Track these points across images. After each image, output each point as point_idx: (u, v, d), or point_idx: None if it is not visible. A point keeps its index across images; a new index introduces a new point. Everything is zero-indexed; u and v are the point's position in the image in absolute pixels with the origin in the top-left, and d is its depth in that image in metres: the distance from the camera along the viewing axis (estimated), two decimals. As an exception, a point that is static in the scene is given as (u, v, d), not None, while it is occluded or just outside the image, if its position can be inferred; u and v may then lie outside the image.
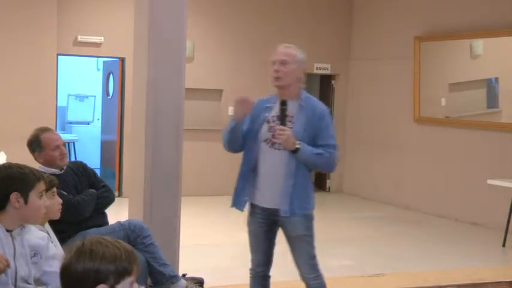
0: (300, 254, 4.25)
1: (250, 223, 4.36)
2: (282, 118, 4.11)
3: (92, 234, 4.52)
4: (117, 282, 2.08)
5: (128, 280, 2.12)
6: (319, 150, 4.11)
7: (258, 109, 4.22)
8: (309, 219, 4.24)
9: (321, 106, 4.24)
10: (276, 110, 4.17)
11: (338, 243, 7.69)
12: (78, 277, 2.03)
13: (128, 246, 2.15)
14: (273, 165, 4.15)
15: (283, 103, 4.13)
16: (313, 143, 4.12)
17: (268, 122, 4.18)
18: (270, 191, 4.16)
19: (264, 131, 4.17)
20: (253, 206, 4.28)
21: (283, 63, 4.19)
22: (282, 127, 4.07)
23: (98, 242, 2.08)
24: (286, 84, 4.18)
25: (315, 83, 12.27)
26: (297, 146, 4.06)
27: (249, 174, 4.23)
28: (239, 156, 4.34)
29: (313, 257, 4.28)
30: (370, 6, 11.43)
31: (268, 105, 4.24)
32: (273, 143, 4.13)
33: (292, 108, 4.14)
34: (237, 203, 4.30)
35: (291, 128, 4.09)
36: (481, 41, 9.49)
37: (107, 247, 2.07)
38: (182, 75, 5.35)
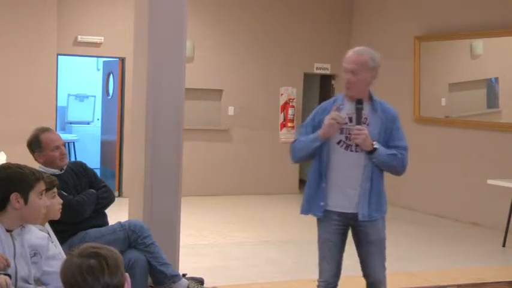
0: (378, 257, 4.16)
1: (324, 231, 4.17)
2: (358, 118, 4.00)
3: (92, 235, 4.56)
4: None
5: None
6: (393, 151, 4.05)
7: (326, 112, 4.10)
8: (384, 222, 4.19)
9: (392, 108, 4.18)
10: (346, 111, 4.06)
11: (338, 243, 7.70)
12: None
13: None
14: (349, 168, 4.05)
15: (359, 102, 4.01)
16: (386, 144, 4.07)
17: (338, 123, 4.04)
18: (347, 195, 4.06)
19: (336, 133, 4.04)
20: (326, 212, 4.11)
21: (353, 72, 4.02)
22: (359, 127, 3.97)
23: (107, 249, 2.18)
24: (358, 92, 4.05)
25: (315, 83, 12.28)
26: (375, 146, 3.99)
27: (320, 178, 4.10)
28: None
29: (385, 258, 4.23)
30: (370, 6, 11.43)
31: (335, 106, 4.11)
32: (348, 145, 4.04)
33: (365, 110, 4.05)
34: (313, 209, 4.14)
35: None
36: (481, 41, 9.49)
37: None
38: (182, 75, 5.35)
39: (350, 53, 4.08)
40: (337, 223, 4.12)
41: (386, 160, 4.04)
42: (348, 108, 4.07)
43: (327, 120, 4.00)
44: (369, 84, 4.09)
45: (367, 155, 4.02)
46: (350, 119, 4.05)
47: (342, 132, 4.04)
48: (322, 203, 4.09)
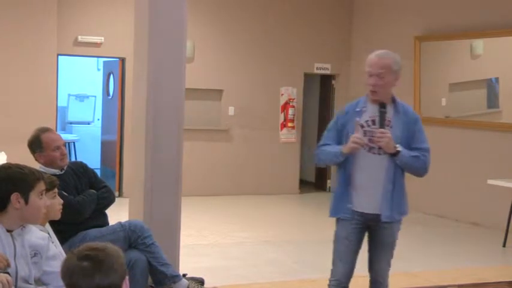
0: (385, 258, 4.28)
1: (343, 229, 4.21)
2: (382, 121, 4.06)
3: (92, 235, 4.56)
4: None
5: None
6: (416, 153, 4.12)
7: (348, 115, 4.18)
8: (400, 224, 4.27)
9: (413, 110, 4.26)
10: (368, 114, 4.12)
11: (338, 243, 7.71)
12: None
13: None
14: (372, 170, 4.12)
15: (383, 106, 4.08)
16: (408, 147, 4.12)
17: (362, 126, 4.11)
18: (370, 196, 4.13)
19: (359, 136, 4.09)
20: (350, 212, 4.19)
21: (379, 76, 4.07)
22: (382, 130, 4.03)
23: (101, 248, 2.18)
24: (382, 96, 4.11)
25: (315, 83, 12.28)
26: (398, 148, 4.04)
27: (346, 181, 4.17)
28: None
29: (392, 257, 4.34)
30: (370, 6, 11.43)
31: (358, 109, 4.16)
32: (371, 148, 4.09)
33: (388, 112, 4.11)
34: (341, 211, 4.20)
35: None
36: (481, 41, 9.49)
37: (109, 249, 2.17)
38: (182, 75, 5.35)
39: (373, 57, 4.12)
40: (358, 222, 4.17)
41: (409, 162, 4.11)
42: (371, 111, 4.12)
43: (351, 141, 4.05)
44: (392, 87, 4.14)
45: (390, 158, 4.08)
46: (373, 122, 4.11)
47: (365, 134, 4.09)
48: (349, 205, 4.16)
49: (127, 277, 2.17)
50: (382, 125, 4.05)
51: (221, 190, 11.03)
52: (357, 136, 4.04)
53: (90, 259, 2.10)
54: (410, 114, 4.20)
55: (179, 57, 5.31)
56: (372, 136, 4.06)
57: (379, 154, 4.09)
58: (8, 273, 2.91)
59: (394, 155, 4.06)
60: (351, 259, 4.22)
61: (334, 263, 4.28)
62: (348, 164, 4.14)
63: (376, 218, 4.14)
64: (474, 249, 7.88)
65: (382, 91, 4.09)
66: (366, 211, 4.14)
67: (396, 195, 4.13)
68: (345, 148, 4.09)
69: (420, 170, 4.20)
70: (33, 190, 3.07)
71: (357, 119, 4.10)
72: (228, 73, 11.11)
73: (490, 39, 9.30)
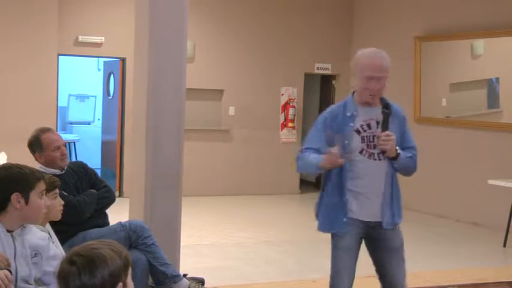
0: (399, 265, 3.99)
1: (346, 238, 3.91)
2: (385, 123, 3.83)
3: (92, 235, 4.55)
4: (126, 275, 2.11)
5: (130, 269, 2.15)
6: (409, 154, 3.96)
7: (338, 118, 3.92)
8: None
9: (400, 108, 4.04)
10: (362, 118, 3.86)
11: (338, 243, 7.72)
12: None
13: (111, 242, 2.17)
14: (372, 176, 3.88)
15: (387, 107, 3.86)
16: (400, 146, 3.93)
17: (358, 132, 3.87)
18: (371, 203, 3.89)
19: (357, 142, 3.86)
20: (349, 220, 3.91)
21: (379, 79, 3.80)
22: (388, 133, 3.81)
23: (89, 249, 2.09)
24: (378, 98, 3.90)
25: (315, 83, 12.28)
26: (398, 151, 3.87)
27: (339, 189, 3.90)
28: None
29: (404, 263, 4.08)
30: (370, 6, 11.43)
31: (348, 114, 3.89)
32: (371, 154, 3.86)
33: (379, 114, 3.86)
34: (336, 226, 3.92)
35: None
36: (482, 41, 9.49)
37: (101, 249, 2.08)
38: (183, 75, 5.35)
39: (366, 59, 3.83)
40: (359, 230, 3.94)
41: (406, 163, 3.94)
42: (364, 115, 3.88)
43: (327, 156, 3.82)
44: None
45: (389, 162, 3.89)
46: (368, 126, 3.88)
47: (363, 141, 3.87)
48: (344, 219, 3.89)
49: (129, 278, 2.15)
50: (385, 128, 3.82)
51: (221, 190, 11.03)
52: (333, 154, 3.77)
53: (75, 264, 2.06)
54: (400, 115, 3.99)
55: (179, 57, 5.31)
56: (370, 141, 3.86)
57: (380, 160, 3.87)
58: (9, 270, 2.91)
59: (394, 158, 3.87)
60: (354, 270, 3.97)
61: (335, 277, 3.96)
62: (344, 173, 3.88)
63: (377, 225, 3.92)
64: (474, 249, 7.88)
65: (380, 94, 3.89)
66: (367, 219, 3.91)
67: (395, 200, 3.95)
68: (322, 163, 3.85)
69: (413, 170, 4.04)
70: (33, 190, 3.07)
71: (351, 124, 3.87)
72: (228, 73, 11.11)
73: (490, 39, 9.30)
